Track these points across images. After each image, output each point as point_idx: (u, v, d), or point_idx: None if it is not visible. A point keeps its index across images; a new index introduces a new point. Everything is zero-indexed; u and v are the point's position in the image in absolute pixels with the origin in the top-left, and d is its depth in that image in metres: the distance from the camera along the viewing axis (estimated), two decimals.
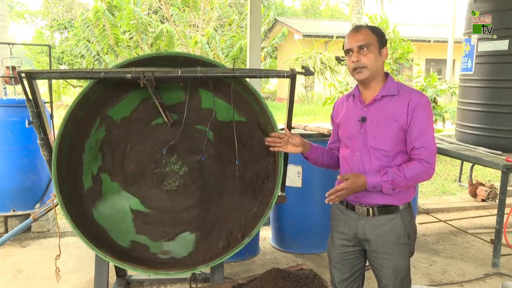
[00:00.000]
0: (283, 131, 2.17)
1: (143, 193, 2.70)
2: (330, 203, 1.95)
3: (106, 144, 2.60)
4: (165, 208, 2.71)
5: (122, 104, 2.56)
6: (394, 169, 1.88)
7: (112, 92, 2.48)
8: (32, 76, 2.10)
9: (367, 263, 2.14)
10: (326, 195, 1.91)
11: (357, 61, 1.91)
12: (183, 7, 11.98)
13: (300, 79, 16.87)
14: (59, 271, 2.70)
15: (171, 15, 12.22)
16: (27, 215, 3.89)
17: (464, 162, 5.09)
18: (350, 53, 1.93)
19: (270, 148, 2.17)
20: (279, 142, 2.11)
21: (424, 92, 6.81)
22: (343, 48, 2.00)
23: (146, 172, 2.70)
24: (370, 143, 1.95)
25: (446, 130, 7.80)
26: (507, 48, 3.75)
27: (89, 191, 2.54)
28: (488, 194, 5.14)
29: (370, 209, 1.98)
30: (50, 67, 4.61)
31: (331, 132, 2.28)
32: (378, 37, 1.92)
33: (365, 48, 1.89)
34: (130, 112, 2.61)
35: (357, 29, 1.95)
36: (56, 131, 2.22)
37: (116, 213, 2.62)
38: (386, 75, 2.00)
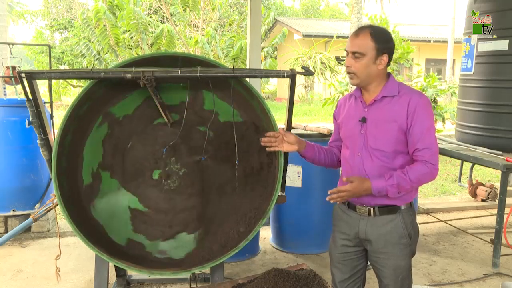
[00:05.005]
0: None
1: (142, 191, 2.69)
2: (331, 202, 1.95)
3: (107, 142, 2.60)
4: (164, 208, 2.71)
5: (126, 102, 2.56)
6: (399, 172, 1.87)
7: (114, 91, 2.48)
8: (32, 76, 2.10)
9: (368, 264, 2.14)
10: (329, 192, 1.92)
11: (348, 66, 1.93)
12: (183, 6, 11.98)
13: (300, 79, 16.86)
14: (59, 271, 2.70)
15: (172, 14, 12.23)
16: (27, 215, 3.88)
17: (464, 162, 5.09)
18: (347, 55, 1.95)
19: (267, 149, 2.18)
20: (275, 141, 2.12)
21: (424, 92, 6.82)
22: None
23: (145, 171, 2.70)
24: (370, 143, 1.95)
25: (446, 130, 7.80)
26: (507, 48, 3.75)
27: (88, 188, 2.54)
28: (488, 194, 5.15)
29: (371, 209, 1.98)
30: (50, 67, 4.62)
31: (331, 132, 2.28)
32: (378, 43, 1.87)
33: (357, 55, 1.89)
34: (133, 110, 2.61)
35: (357, 32, 1.92)
36: (57, 131, 2.22)
37: (114, 210, 2.62)
38: (388, 75, 1.99)
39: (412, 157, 1.92)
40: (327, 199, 1.93)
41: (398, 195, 1.90)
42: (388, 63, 1.94)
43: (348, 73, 1.95)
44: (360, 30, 1.92)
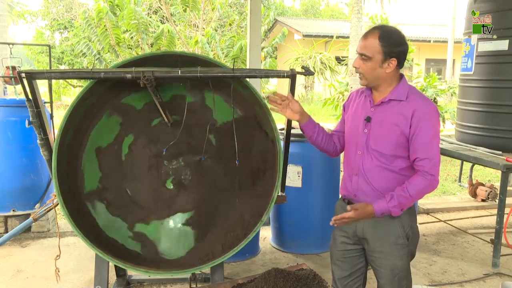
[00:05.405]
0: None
1: (176, 205, 2.69)
2: (335, 225, 1.97)
3: (112, 209, 2.57)
4: (202, 198, 2.71)
5: (88, 173, 2.52)
6: (399, 190, 1.87)
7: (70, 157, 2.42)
8: (32, 76, 2.10)
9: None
10: (332, 219, 1.93)
11: (356, 67, 1.93)
12: (183, 6, 11.98)
13: (300, 79, 16.86)
14: (59, 271, 2.70)
15: (172, 14, 12.22)
16: (27, 215, 3.88)
17: (464, 162, 5.09)
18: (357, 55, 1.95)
19: (270, 108, 2.17)
20: (280, 104, 2.08)
21: (424, 92, 6.82)
22: None
23: (160, 191, 2.69)
24: (371, 144, 1.95)
25: (446, 130, 7.81)
26: (507, 48, 3.75)
27: (144, 250, 2.54)
28: (488, 194, 5.15)
29: None
30: (50, 67, 4.61)
31: (331, 131, 2.28)
32: (386, 47, 1.85)
33: (364, 57, 1.89)
34: (98, 169, 2.57)
35: (367, 33, 1.91)
36: (57, 131, 2.22)
37: (177, 239, 2.63)
38: (401, 77, 1.97)
39: (412, 165, 1.92)
40: (331, 224, 1.95)
41: (402, 211, 1.91)
42: (401, 66, 1.92)
43: (358, 73, 1.96)
44: (370, 32, 1.90)
